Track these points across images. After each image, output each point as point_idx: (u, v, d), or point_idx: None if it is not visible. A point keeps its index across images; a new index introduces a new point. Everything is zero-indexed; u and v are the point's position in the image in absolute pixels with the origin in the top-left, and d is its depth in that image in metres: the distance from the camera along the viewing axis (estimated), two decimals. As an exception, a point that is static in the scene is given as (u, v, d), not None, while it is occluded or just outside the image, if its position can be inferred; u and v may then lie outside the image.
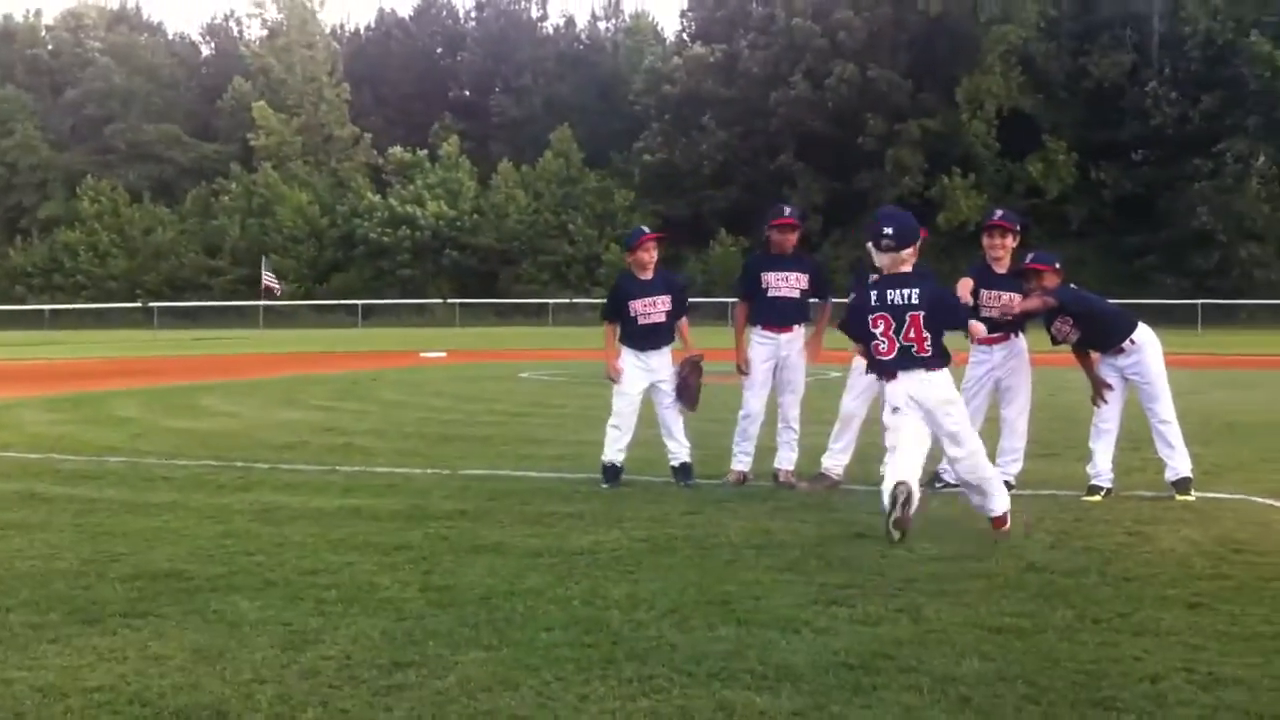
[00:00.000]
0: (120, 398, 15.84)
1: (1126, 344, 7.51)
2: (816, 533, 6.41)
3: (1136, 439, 8.19)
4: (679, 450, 8.21)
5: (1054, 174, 51.90)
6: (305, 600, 4.99)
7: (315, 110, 68.08)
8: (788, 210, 8.56)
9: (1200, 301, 42.87)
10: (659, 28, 74.13)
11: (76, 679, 4.00)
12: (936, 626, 4.54)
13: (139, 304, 54.89)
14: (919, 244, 6.47)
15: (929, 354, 6.32)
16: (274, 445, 10.47)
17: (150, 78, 70.06)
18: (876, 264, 6.58)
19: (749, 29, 58.84)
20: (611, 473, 8.12)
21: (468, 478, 8.46)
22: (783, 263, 8.29)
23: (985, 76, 52.61)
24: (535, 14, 75.39)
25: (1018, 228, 7.96)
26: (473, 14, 75.81)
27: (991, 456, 6.93)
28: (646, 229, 8.69)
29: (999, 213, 8.16)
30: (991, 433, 7.62)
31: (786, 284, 8.22)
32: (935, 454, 6.80)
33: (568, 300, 52.84)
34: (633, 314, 8.19)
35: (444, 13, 76.51)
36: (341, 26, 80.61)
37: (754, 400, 8.29)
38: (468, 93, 71.53)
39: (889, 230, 6.33)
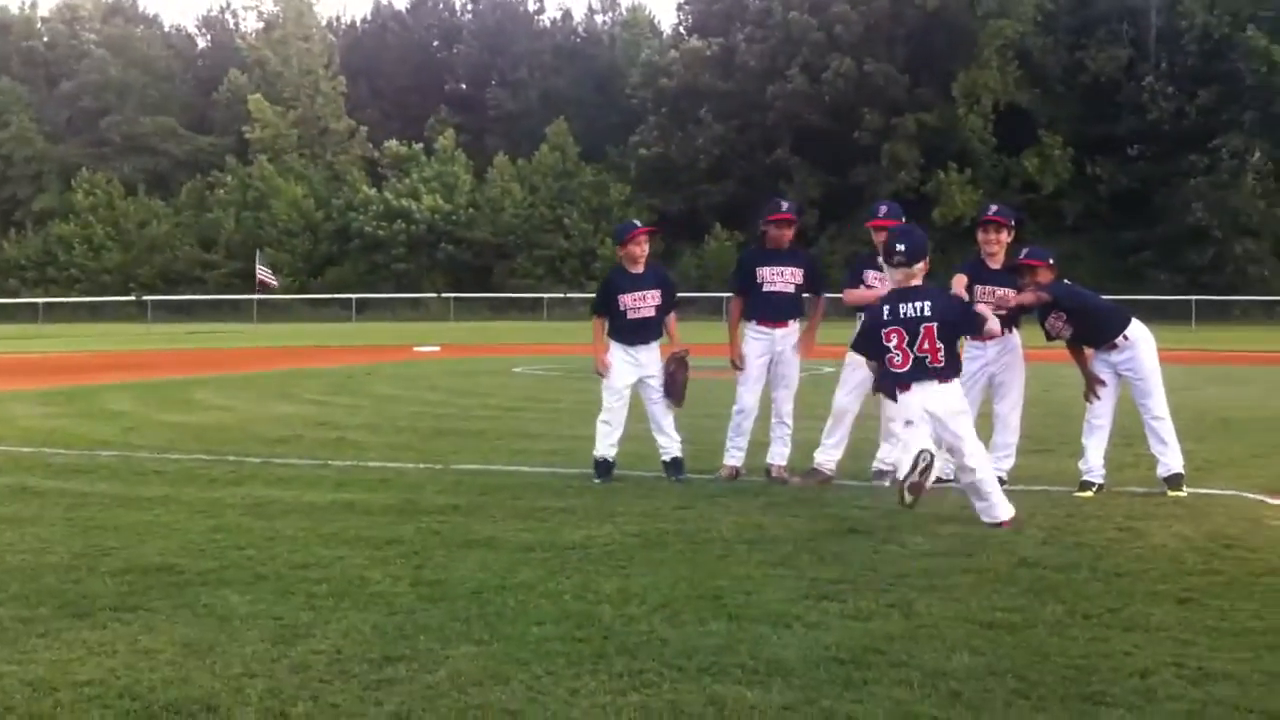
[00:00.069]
0: (113, 391, 15.82)
1: (1120, 340, 7.51)
2: (808, 528, 6.42)
3: (1129, 435, 8.20)
4: (670, 445, 8.20)
5: (1050, 169, 51.90)
6: (296, 594, 4.99)
7: (311, 103, 67.97)
8: (785, 205, 8.52)
9: (1194, 297, 42.84)
10: (656, 21, 74.29)
11: (66, 673, 4.00)
12: (927, 621, 4.55)
13: (133, 298, 54.71)
14: (929, 259, 6.66)
15: (942, 364, 6.44)
16: (267, 439, 10.47)
17: (146, 70, 69.89)
18: (888, 277, 6.79)
19: (746, 22, 58.72)
20: (603, 468, 8.12)
21: (460, 472, 8.45)
22: (778, 257, 8.27)
23: (982, 71, 52.59)
24: (532, 7, 75.55)
25: (1013, 223, 7.95)
26: (469, 7, 75.82)
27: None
28: (638, 223, 8.68)
29: (994, 208, 8.17)
30: (984, 428, 7.62)
31: (781, 279, 8.21)
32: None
33: (562, 295, 52.67)
34: (622, 308, 8.18)
35: (440, 5, 76.45)
36: (337, 19, 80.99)
37: (748, 395, 8.28)
38: (464, 86, 71.44)
39: (901, 247, 6.55)
